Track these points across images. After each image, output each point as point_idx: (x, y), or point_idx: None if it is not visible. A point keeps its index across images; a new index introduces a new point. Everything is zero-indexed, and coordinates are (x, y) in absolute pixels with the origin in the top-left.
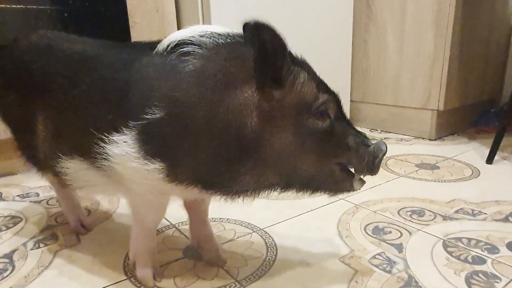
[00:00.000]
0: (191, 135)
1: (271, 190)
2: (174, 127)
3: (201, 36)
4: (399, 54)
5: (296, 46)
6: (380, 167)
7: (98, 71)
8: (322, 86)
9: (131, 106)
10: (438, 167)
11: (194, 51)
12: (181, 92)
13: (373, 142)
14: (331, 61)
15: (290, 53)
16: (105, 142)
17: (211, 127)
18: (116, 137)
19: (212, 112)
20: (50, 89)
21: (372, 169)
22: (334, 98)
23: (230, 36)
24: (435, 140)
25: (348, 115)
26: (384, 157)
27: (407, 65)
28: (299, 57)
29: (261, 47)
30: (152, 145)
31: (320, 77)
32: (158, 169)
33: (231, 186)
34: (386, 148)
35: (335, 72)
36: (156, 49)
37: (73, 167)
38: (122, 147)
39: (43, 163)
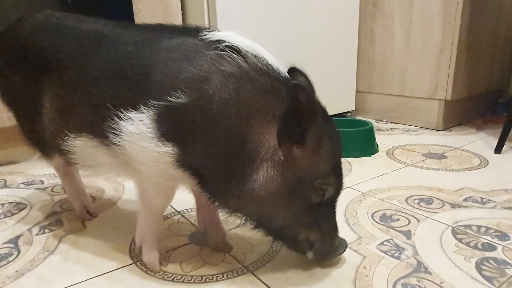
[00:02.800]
0: (206, 130)
1: (246, 222)
2: (194, 116)
3: (255, 57)
4: (406, 43)
5: (301, 35)
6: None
7: (118, 49)
8: (337, 168)
9: (153, 85)
10: (445, 157)
11: (240, 61)
12: (212, 87)
13: (337, 240)
14: (336, 51)
15: (327, 123)
16: (120, 119)
17: (226, 133)
18: (132, 114)
19: (232, 121)
20: (61, 67)
21: (322, 257)
22: (338, 185)
23: (275, 70)
24: (442, 130)
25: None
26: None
27: (414, 54)
28: (335, 133)
29: (294, 105)
30: (168, 128)
31: (340, 160)
32: (169, 153)
33: (220, 197)
34: (343, 251)
35: (340, 62)
36: (197, 35)
37: (81, 145)
38: (137, 125)
39: (49, 143)
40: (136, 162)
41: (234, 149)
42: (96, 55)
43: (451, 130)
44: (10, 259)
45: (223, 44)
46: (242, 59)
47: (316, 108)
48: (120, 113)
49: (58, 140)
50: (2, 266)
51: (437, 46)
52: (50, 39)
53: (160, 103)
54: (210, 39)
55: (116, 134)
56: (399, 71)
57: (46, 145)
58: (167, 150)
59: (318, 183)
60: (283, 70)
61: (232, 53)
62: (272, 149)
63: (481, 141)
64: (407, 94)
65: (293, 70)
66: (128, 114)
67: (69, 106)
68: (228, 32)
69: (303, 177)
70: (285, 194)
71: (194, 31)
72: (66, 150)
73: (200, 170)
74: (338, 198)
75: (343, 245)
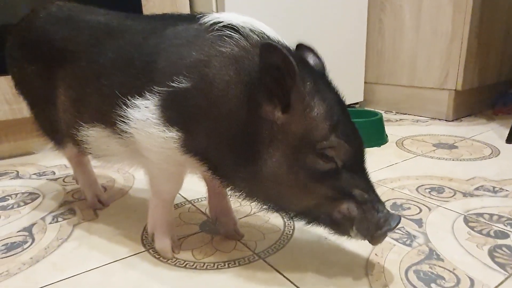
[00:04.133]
0: (209, 114)
1: (264, 206)
2: (196, 100)
3: (251, 31)
4: (416, 33)
5: (309, 26)
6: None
7: (126, 39)
8: (340, 128)
9: (158, 72)
10: (456, 147)
11: (238, 39)
12: (213, 70)
13: (388, 213)
14: (344, 42)
15: (316, 83)
16: (127, 106)
17: (228, 115)
18: (138, 101)
19: (234, 102)
20: (73, 58)
21: (370, 238)
22: (351, 147)
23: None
24: (452, 121)
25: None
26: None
27: (424, 44)
28: (332, 93)
29: (267, 66)
30: (172, 113)
31: (347, 121)
32: (174, 138)
33: (231, 181)
34: (396, 225)
35: (349, 53)
36: (198, 20)
37: (94, 135)
38: (143, 112)
39: (63, 133)
40: (144, 149)
41: (237, 130)
42: (106, 46)
43: (461, 121)
44: (25, 246)
45: (221, 24)
46: (241, 37)
47: (293, 66)
48: (127, 101)
49: (72, 130)
50: (17, 253)
51: (448, 35)
52: (63, 30)
53: (163, 89)
54: (209, 22)
55: (124, 122)
56: (409, 61)
57: (60, 134)
58: (172, 135)
59: (319, 148)
60: (285, 41)
61: (231, 33)
62: (268, 124)
63: (492, 131)
64: (417, 85)
65: (301, 47)
66: (135, 102)
67: (82, 97)
68: (226, 13)
69: (299, 145)
70: (288, 167)
71: (197, 17)
72: (80, 140)
73: (207, 155)
74: (363, 161)
75: (395, 218)
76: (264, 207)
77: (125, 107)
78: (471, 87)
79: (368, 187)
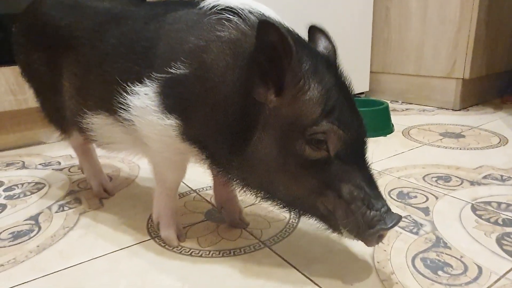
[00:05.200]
0: (206, 100)
1: (256, 195)
2: (194, 87)
3: (250, 12)
4: (423, 21)
5: (314, 14)
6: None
7: (129, 25)
8: (336, 115)
9: (157, 58)
10: (463, 136)
11: (237, 22)
12: (211, 56)
13: (387, 212)
14: (350, 30)
15: (315, 65)
16: (127, 93)
17: (225, 101)
18: (138, 88)
19: (230, 87)
20: (78, 45)
21: (361, 237)
22: (347, 134)
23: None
24: (459, 110)
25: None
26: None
27: (431, 32)
28: (337, 76)
29: (263, 45)
30: (171, 100)
31: (349, 108)
32: (173, 126)
33: (226, 170)
34: (393, 225)
35: (354, 42)
36: (198, 5)
37: (98, 122)
38: (142, 99)
39: (69, 121)
40: (145, 137)
41: (232, 116)
42: (109, 33)
43: (468, 110)
44: (32, 234)
45: (220, 7)
46: (240, 20)
47: (290, 46)
48: (128, 88)
49: (77, 118)
50: (24, 241)
51: (455, 23)
52: (68, 17)
53: (162, 75)
54: (209, 6)
55: (125, 109)
56: (415, 50)
57: (66, 122)
58: (171, 123)
59: (309, 133)
60: (285, 22)
61: (229, 16)
62: (260, 108)
63: (500, 120)
64: (423, 74)
65: (313, 29)
66: (135, 88)
67: (86, 84)
68: None
69: (290, 130)
70: (276, 154)
71: (198, 1)
72: (85, 128)
73: (204, 143)
74: (363, 152)
75: (393, 217)
76: (258, 196)
77: (125, 94)
78: (479, 75)
79: (366, 181)
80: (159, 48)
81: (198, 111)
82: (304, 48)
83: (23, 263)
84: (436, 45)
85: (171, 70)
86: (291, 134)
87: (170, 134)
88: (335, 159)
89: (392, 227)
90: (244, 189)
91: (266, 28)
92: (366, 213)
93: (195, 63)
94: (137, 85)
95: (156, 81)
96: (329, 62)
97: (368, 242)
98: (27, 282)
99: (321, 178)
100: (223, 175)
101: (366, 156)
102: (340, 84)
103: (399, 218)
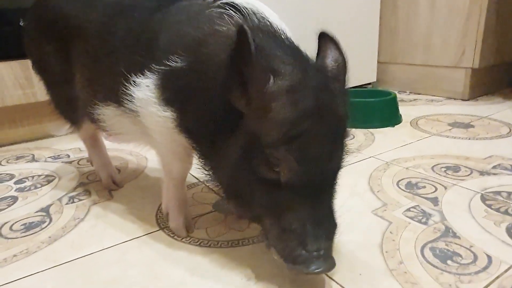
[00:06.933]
0: (201, 94)
1: (226, 196)
2: (189, 80)
3: (253, 13)
4: (431, 10)
5: (320, 3)
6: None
7: (135, 16)
8: (299, 144)
9: (158, 50)
10: (472, 126)
11: (237, 19)
12: (207, 50)
13: (319, 257)
14: (357, 20)
15: (294, 84)
16: (131, 85)
17: (214, 96)
18: (140, 80)
19: (219, 83)
20: (87, 37)
21: (285, 262)
22: (303, 169)
23: (274, 27)
24: (467, 100)
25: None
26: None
27: (439, 21)
28: (329, 93)
29: (236, 54)
30: (169, 92)
31: (324, 140)
32: (170, 118)
33: (205, 166)
34: (317, 272)
35: (361, 32)
36: None
37: (108, 113)
38: (144, 90)
39: (80, 112)
40: (148, 128)
41: (217, 116)
42: (116, 25)
43: (477, 100)
44: (43, 226)
45: (224, 2)
46: (241, 17)
47: (251, 56)
48: (131, 79)
49: (88, 109)
50: (36, 232)
51: (464, 11)
52: (77, 8)
53: (161, 67)
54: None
55: (130, 101)
56: (423, 39)
57: (76, 114)
58: (168, 115)
59: (267, 153)
60: (283, 27)
61: (231, 11)
62: (236, 112)
63: (509, 110)
64: (432, 64)
65: (323, 37)
66: (138, 80)
67: (95, 75)
68: None
69: (252, 142)
70: (239, 161)
71: None
72: (97, 118)
73: (196, 137)
74: (320, 189)
75: (320, 265)
76: (227, 197)
77: (130, 86)
78: (488, 64)
79: (314, 219)
80: (160, 40)
81: (192, 105)
82: (286, 63)
83: (36, 253)
84: (444, 34)
85: (169, 63)
86: (253, 146)
87: (169, 126)
88: (285, 186)
89: (315, 273)
90: (218, 187)
91: (240, 34)
92: (294, 249)
93: (191, 57)
94: (140, 76)
95: (156, 73)
96: (325, 79)
97: (293, 272)
98: (40, 272)
99: (269, 198)
100: (205, 172)
101: (329, 192)
102: (324, 108)
103: (329, 267)
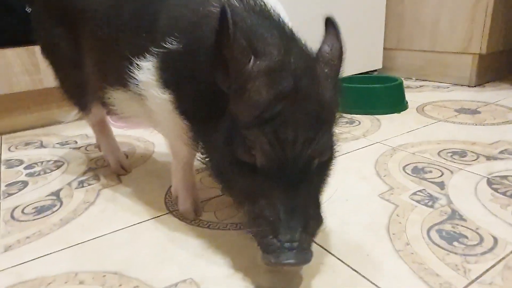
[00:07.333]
0: (193, 76)
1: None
2: (184, 62)
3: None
4: None
5: None
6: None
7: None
8: (273, 126)
9: (157, 32)
10: (479, 112)
11: (234, 2)
12: (200, 32)
13: (292, 249)
14: (363, 6)
15: (273, 65)
16: (135, 68)
17: (207, 79)
18: (142, 62)
19: (209, 64)
20: (95, 19)
21: (261, 249)
22: (276, 154)
23: (269, 11)
24: (474, 86)
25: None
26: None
27: (446, 6)
28: (313, 79)
29: (218, 35)
30: (167, 74)
31: (301, 122)
32: (169, 100)
33: (201, 149)
34: (285, 264)
35: (367, 18)
36: None
37: (118, 97)
38: (146, 73)
39: (90, 96)
40: (152, 111)
41: (209, 99)
42: (123, 8)
43: (484, 86)
44: (54, 209)
45: None
46: (239, 1)
47: (229, 36)
48: (135, 62)
49: (99, 93)
50: (47, 215)
51: None
52: None
53: (160, 50)
54: None
55: (135, 84)
56: (430, 25)
57: (86, 98)
58: (167, 97)
59: (244, 134)
60: (279, 9)
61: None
62: (223, 95)
63: None
64: (439, 49)
65: (327, 23)
66: (140, 63)
67: (104, 60)
68: None
69: (234, 123)
70: (222, 145)
71: None
72: (108, 102)
73: (191, 120)
74: (297, 176)
75: (291, 256)
76: (215, 181)
77: (134, 69)
78: (496, 50)
79: (289, 207)
80: (160, 22)
81: (186, 87)
82: (271, 45)
83: (48, 235)
84: (452, 20)
85: (166, 45)
86: (235, 129)
87: (169, 108)
88: (261, 170)
89: (284, 264)
90: (209, 171)
91: (222, 15)
92: (266, 237)
93: (185, 39)
94: (142, 59)
95: (156, 55)
96: (310, 63)
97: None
98: (53, 253)
99: (247, 182)
100: (201, 156)
101: (309, 182)
102: (304, 92)
103: (302, 261)
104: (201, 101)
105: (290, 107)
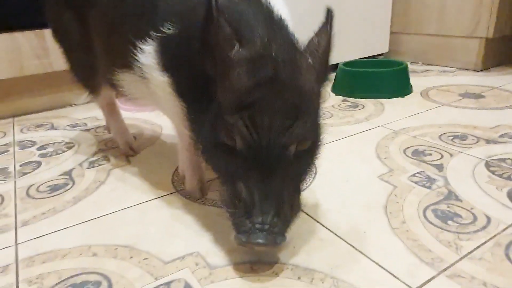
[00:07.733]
0: (188, 60)
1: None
2: (179, 47)
3: None
4: None
5: None
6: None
7: None
8: (253, 113)
9: (157, 16)
10: (483, 96)
11: None
12: (195, 17)
13: (262, 230)
14: None
15: (255, 52)
16: (138, 51)
17: (199, 62)
18: (144, 46)
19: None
20: (102, 4)
21: (234, 229)
22: (254, 139)
23: (263, 4)
24: (480, 71)
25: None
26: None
27: None
28: (295, 67)
29: (206, 21)
30: (165, 58)
31: (280, 109)
32: (167, 83)
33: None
34: (253, 243)
35: (374, 2)
36: None
37: (126, 79)
38: (148, 57)
39: (100, 78)
40: (155, 94)
41: (202, 81)
42: None
43: (490, 71)
44: (67, 187)
45: None
46: None
47: (217, 24)
48: (137, 46)
49: (108, 75)
50: (61, 193)
51: None
52: None
53: (158, 34)
54: None
55: (139, 67)
56: (437, 8)
57: (96, 81)
58: (166, 80)
59: (225, 119)
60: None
61: None
62: (212, 80)
63: None
64: (445, 33)
65: (327, 13)
66: (143, 47)
67: (111, 43)
68: None
69: (219, 108)
70: (210, 128)
71: None
72: (117, 84)
73: (187, 103)
74: (274, 162)
75: (261, 238)
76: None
77: (137, 52)
78: (503, 34)
79: (263, 192)
80: (160, 7)
81: (181, 71)
82: (256, 32)
83: (62, 212)
84: (459, 3)
85: (164, 30)
86: (219, 112)
87: (169, 91)
88: (240, 154)
89: (252, 243)
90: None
91: (208, 4)
92: (240, 217)
93: (181, 24)
94: (144, 43)
95: (155, 39)
96: (293, 52)
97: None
98: (67, 227)
99: (228, 163)
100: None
101: (286, 169)
102: (283, 80)
103: (271, 242)
104: (195, 84)
105: (269, 94)
